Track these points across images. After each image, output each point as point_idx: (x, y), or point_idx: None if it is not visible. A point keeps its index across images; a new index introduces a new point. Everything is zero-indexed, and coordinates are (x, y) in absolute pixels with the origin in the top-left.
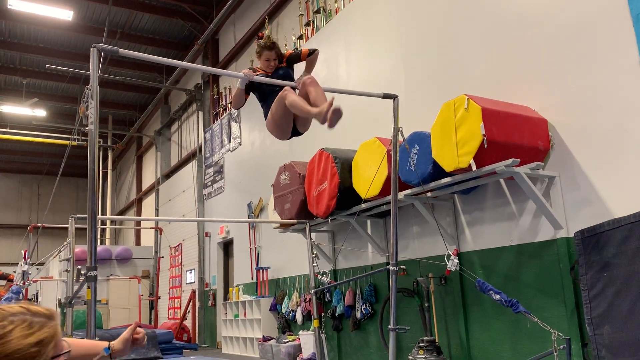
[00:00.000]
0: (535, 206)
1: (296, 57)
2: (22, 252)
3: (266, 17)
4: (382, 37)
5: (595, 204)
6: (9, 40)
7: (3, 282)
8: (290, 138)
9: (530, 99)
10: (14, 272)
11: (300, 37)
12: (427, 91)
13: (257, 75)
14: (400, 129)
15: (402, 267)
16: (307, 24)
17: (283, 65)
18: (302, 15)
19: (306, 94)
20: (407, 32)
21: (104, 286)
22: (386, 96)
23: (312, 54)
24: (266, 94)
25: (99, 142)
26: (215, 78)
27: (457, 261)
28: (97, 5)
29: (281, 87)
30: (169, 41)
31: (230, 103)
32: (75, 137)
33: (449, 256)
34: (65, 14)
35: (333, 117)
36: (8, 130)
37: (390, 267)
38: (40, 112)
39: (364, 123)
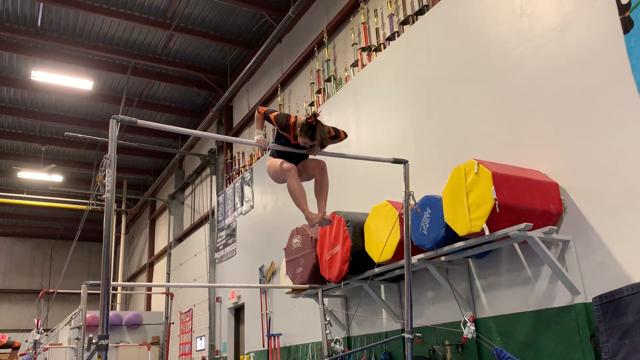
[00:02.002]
0: (551, 271)
1: (334, 139)
2: (35, 320)
3: (279, 85)
4: (391, 103)
5: (612, 268)
6: (31, 109)
7: (8, 350)
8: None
9: (539, 162)
10: (26, 340)
11: (311, 104)
12: (437, 155)
13: (281, 132)
14: (412, 193)
15: (417, 334)
16: (318, 92)
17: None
18: (314, 83)
19: (315, 176)
20: (416, 98)
21: (113, 353)
22: (396, 161)
23: (344, 139)
24: (284, 152)
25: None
26: (229, 143)
27: (474, 328)
28: (116, 75)
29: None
30: (185, 108)
31: (244, 166)
32: (91, 202)
33: (465, 322)
34: (86, 84)
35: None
36: (25, 195)
37: (406, 335)
38: (57, 178)
39: (374, 186)
